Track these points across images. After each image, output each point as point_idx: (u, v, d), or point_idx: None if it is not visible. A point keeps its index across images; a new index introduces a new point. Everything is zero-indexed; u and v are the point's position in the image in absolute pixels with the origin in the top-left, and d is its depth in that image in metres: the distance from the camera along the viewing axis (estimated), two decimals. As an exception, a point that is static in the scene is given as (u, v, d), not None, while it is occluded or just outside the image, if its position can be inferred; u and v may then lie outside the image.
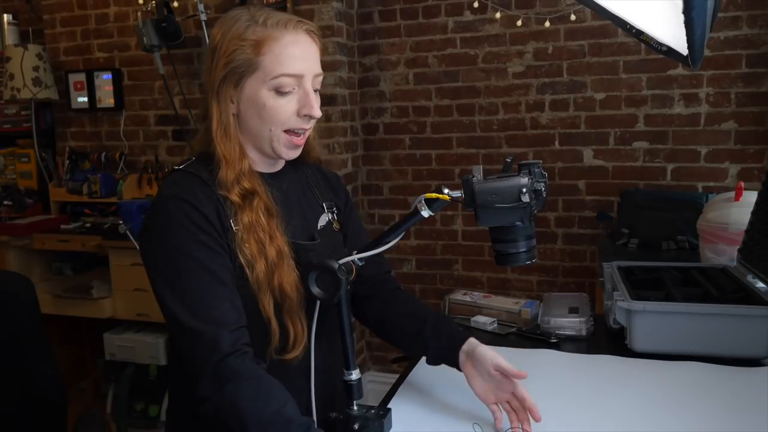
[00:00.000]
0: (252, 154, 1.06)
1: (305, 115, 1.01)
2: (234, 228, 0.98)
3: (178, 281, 0.93)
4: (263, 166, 1.09)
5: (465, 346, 1.09)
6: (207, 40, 2.79)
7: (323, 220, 1.15)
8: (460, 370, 1.10)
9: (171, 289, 0.93)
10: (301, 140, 1.04)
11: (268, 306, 0.98)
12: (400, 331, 1.18)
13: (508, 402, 1.05)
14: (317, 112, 1.02)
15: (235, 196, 0.98)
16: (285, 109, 1.00)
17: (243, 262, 0.98)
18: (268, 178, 1.07)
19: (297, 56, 0.99)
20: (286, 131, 1.02)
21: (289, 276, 1.00)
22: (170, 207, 0.96)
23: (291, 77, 0.99)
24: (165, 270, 0.94)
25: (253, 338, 0.96)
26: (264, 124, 1.01)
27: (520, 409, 1.03)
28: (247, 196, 0.99)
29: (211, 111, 1.01)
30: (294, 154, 1.06)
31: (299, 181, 1.16)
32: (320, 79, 1.04)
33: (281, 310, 1.00)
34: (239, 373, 0.89)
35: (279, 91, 0.99)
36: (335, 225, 1.17)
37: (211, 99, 1.01)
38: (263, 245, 0.98)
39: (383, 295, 1.23)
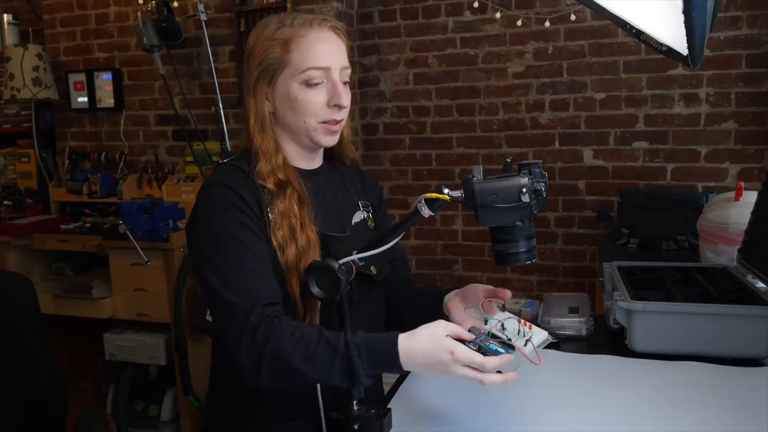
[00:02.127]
0: (290, 149, 1.13)
1: (335, 105, 1.07)
2: (270, 216, 1.05)
3: (219, 259, 1.00)
4: (301, 162, 1.15)
5: (447, 301, 1.16)
6: (207, 40, 2.79)
7: (358, 216, 1.19)
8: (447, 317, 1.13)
9: (213, 267, 0.99)
10: (336, 127, 1.10)
11: (295, 287, 1.03)
12: (404, 317, 1.25)
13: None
14: (345, 101, 1.07)
15: (270, 185, 1.05)
16: (316, 101, 1.06)
17: (276, 245, 1.03)
18: (306, 174, 1.13)
19: (323, 51, 1.05)
20: (321, 122, 1.08)
21: None
22: (212, 192, 1.04)
23: (318, 70, 1.05)
24: (207, 250, 1.01)
25: None
26: (298, 116, 1.07)
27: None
28: (282, 185, 1.06)
29: (248, 109, 1.10)
30: (332, 140, 1.12)
31: (336, 180, 1.21)
32: (348, 72, 1.10)
33: (305, 294, 1.04)
34: (272, 333, 0.94)
35: (308, 84, 1.05)
36: (370, 223, 1.21)
37: (248, 98, 1.10)
38: (294, 231, 1.04)
39: (396, 294, 1.29)
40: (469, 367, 0.90)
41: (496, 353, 0.92)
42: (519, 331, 0.98)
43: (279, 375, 0.93)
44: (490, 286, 1.10)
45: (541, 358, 0.94)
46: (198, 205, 1.06)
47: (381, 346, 0.92)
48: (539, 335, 0.98)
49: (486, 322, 1.01)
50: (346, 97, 1.07)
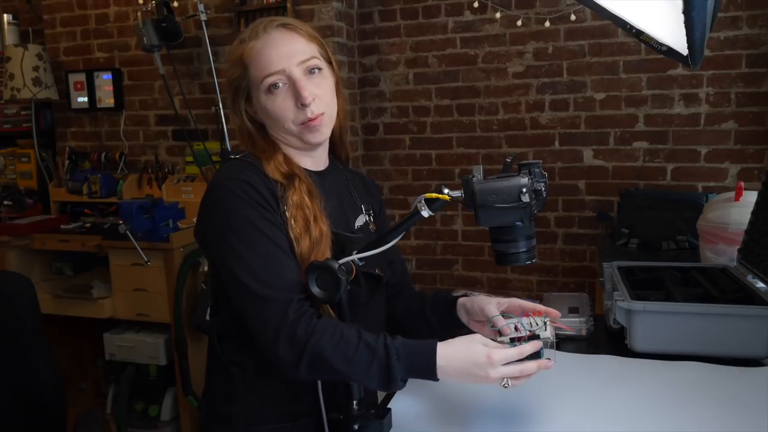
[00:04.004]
0: (291, 151, 1.12)
1: (301, 104, 1.05)
2: (285, 210, 1.04)
3: (248, 253, 0.98)
4: (308, 162, 1.15)
5: (459, 308, 1.17)
6: (207, 40, 2.79)
7: (360, 220, 1.20)
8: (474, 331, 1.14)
9: (241, 261, 0.98)
10: (316, 121, 1.07)
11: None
12: (406, 317, 1.27)
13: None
14: (306, 98, 1.04)
15: (279, 177, 1.05)
16: (283, 106, 1.06)
17: (292, 238, 1.03)
18: (313, 175, 1.13)
19: (272, 54, 1.04)
20: (300, 124, 1.07)
21: (324, 256, 1.04)
22: (229, 186, 1.02)
23: (273, 75, 1.04)
24: (234, 244, 0.99)
25: None
26: (278, 124, 1.08)
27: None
28: (289, 177, 1.06)
29: (235, 124, 1.11)
30: (320, 135, 1.10)
31: (340, 182, 1.21)
32: (314, 61, 1.07)
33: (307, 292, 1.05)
34: (313, 331, 0.95)
35: (271, 92, 1.05)
36: (372, 226, 1.22)
37: (231, 113, 1.11)
38: (308, 223, 1.04)
39: (395, 296, 1.30)
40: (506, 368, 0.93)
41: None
42: (531, 323, 1.03)
43: (317, 371, 0.96)
44: (491, 314, 1.10)
45: (568, 327, 1.05)
46: (211, 199, 1.04)
47: (420, 352, 0.94)
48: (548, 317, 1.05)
49: (499, 333, 1.04)
50: (308, 93, 1.04)
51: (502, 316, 1.08)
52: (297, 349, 0.94)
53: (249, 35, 1.06)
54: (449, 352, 0.94)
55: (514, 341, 0.99)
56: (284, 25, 1.06)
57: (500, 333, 1.04)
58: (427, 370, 0.94)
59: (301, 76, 1.04)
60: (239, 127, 1.11)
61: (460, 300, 1.17)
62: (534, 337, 0.99)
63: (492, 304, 1.10)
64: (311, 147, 1.12)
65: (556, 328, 1.04)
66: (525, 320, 1.03)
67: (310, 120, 1.06)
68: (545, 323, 1.02)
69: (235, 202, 1.00)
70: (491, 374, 0.92)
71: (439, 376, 0.94)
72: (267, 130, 1.11)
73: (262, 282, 0.97)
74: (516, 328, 1.02)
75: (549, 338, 1.01)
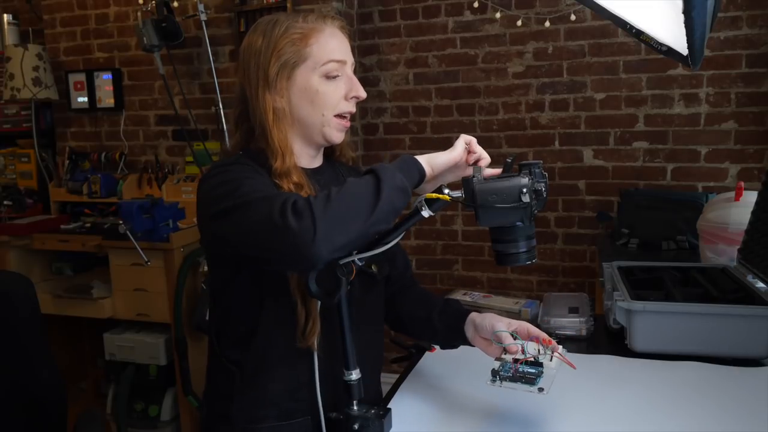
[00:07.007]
0: (296, 146, 1.12)
1: (352, 98, 1.11)
2: None
3: (231, 189, 0.95)
4: (305, 161, 1.15)
5: (468, 322, 1.16)
6: (207, 40, 2.79)
7: None
8: (473, 346, 1.14)
9: (224, 196, 0.95)
10: (348, 123, 1.13)
11: (296, 286, 1.03)
12: (411, 318, 1.27)
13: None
14: (363, 93, 1.11)
15: (285, 184, 1.04)
16: (335, 94, 1.09)
17: None
18: (308, 173, 1.13)
19: (338, 45, 1.10)
20: (336, 116, 1.10)
21: None
22: (227, 169, 1.02)
23: (337, 62, 1.08)
24: (218, 192, 0.97)
25: (281, 320, 1.02)
26: (316, 110, 1.09)
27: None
28: (297, 187, 1.06)
29: (264, 106, 1.07)
30: (341, 137, 1.14)
31: (335, 179, 1.21)
32: (353, 68, 1.14)
33: (305, 293, 1.03)
34: (308, 197, 0.88)
35: (328, 77, 1.08)
36: None
37: (261, 96, 1.07)
38: None
39: (402, 294, 1.30)
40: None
41: (529, 374, 0.99)
42: (539, 350, 1.03)
43: (330, 218, 0.85)
44: (502, 334, 1.08)
45: (574, 365, 1.02)
46: (207, 180, 1.02)
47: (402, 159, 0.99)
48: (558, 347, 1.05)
49: (504, 351, 1.05)
50: (363, 90, 1.11)
51: (512, 336, 1.07)
52: (304, 208, 0.85)
53: (314, 19, 1.09)
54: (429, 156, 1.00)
55: (516, 362, 1.01)
56: (343, 28, 1.12)
57: (505, 350, 1.04)
58: (412, 162, 0.97)
59: (353, 76, 1.11)
60: (273, 107, 1.06)
61: (471, 315, 1.16)
62: (536, 363, 1.01)
63: (503, 323, 1.10)
64: (321, 145, 1.15)
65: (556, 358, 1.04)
66: (532, 345, 1.04)
67: (346, 119, 1.11)
68: (552, 354, 1.02)
69: (221, 173, 1.01)
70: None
71: (425, 164, 0.99)
72: (289, 115, 1.10)
73: (249, 193, 0.93)
74: (522, 350, 1.03)
75: (552, 369, 1.00)
